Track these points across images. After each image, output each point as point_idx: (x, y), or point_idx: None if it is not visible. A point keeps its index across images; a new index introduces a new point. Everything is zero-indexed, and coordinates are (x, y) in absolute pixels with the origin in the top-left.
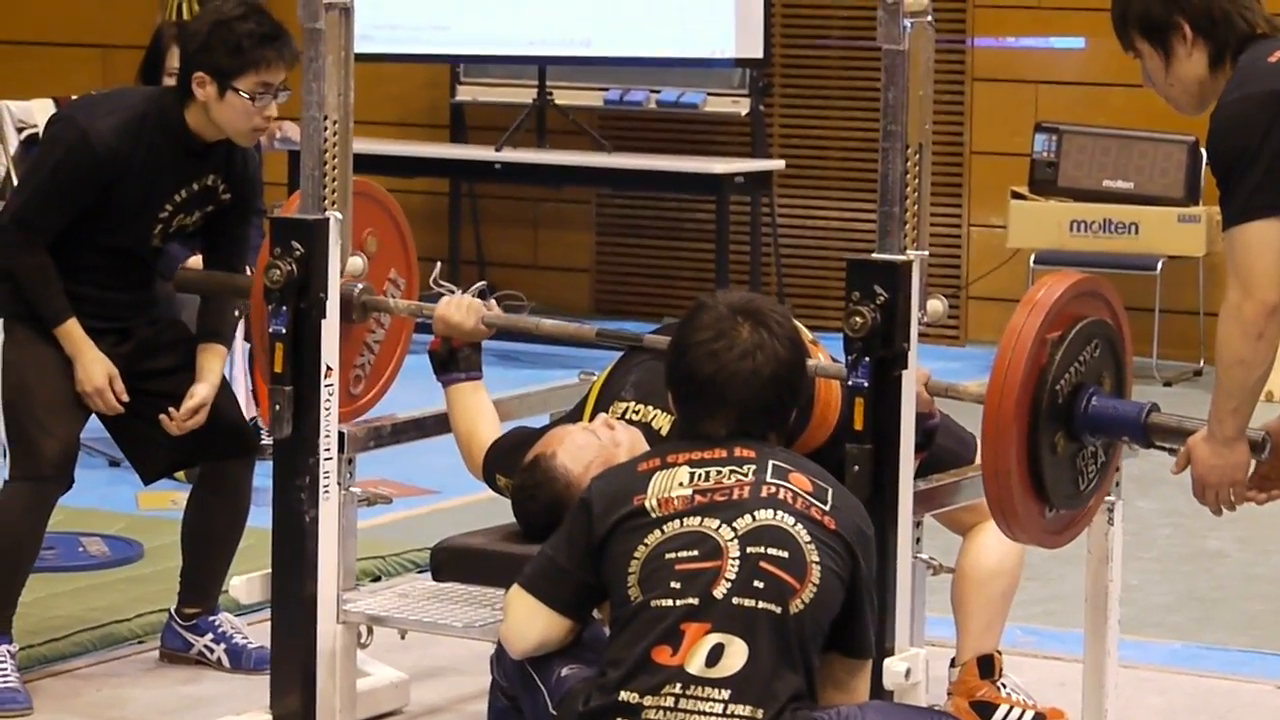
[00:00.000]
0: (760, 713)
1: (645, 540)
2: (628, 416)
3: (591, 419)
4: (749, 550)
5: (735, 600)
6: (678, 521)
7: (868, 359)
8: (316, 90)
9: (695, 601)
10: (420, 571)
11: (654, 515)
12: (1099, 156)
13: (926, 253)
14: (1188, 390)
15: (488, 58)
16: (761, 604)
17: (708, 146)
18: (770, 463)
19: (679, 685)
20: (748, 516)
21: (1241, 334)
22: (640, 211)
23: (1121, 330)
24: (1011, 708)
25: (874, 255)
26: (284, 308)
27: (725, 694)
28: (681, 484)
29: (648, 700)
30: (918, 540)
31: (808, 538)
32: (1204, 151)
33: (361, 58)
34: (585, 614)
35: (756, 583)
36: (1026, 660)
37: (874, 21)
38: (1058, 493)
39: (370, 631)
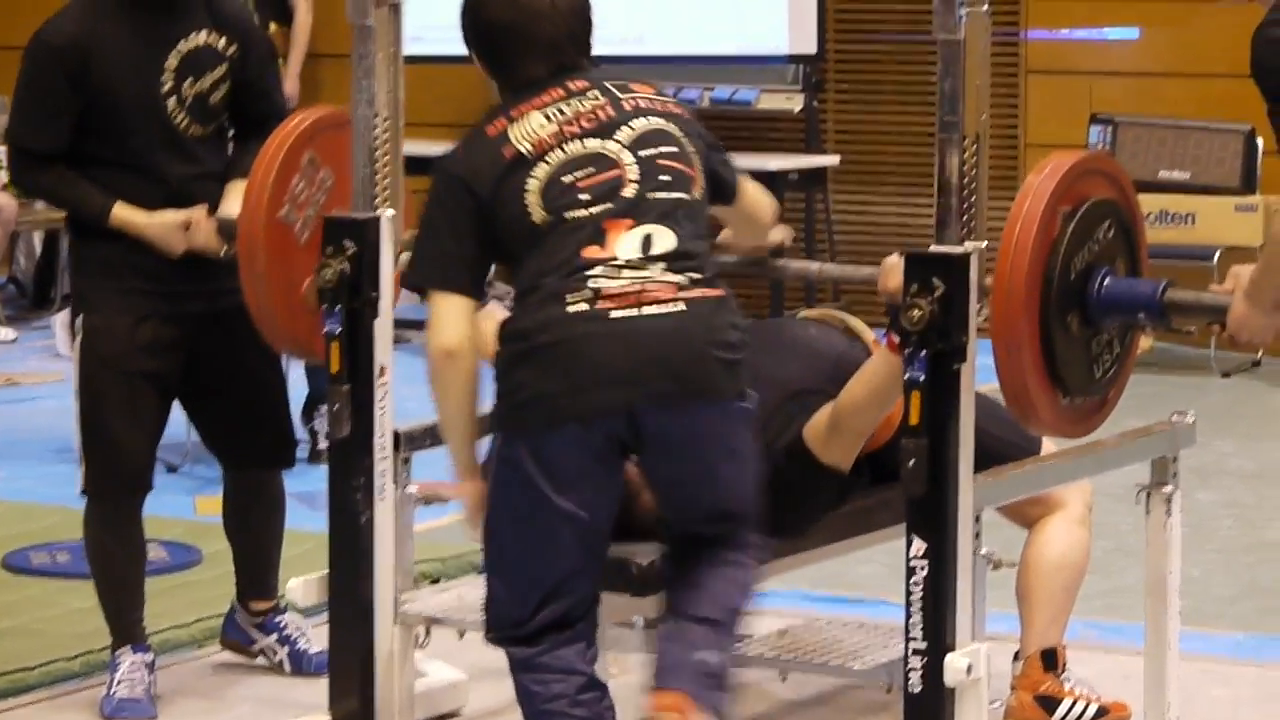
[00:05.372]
0: (698, 275)
1: (534, 174)
2: None
3: None
4: (641, 154)
5: (649, 195)
6: (559, 151)
7: (925, 352)
8: (367, 88)
9: (611, 205)
10: (479, 574)
11: (532, 155)
12: (1154, 147)
13: (984, 244)
14: (1246, 381)
15: None
16: (674, 194)
17: (762, 143)
18: (605, 83)
19: (615, 265)
20: (625, 128)
21: None
22: None
23: (1135, 214)
24: (1075, 701)
25: (931, 248)
26: (338, 307)
27: (661, 264)
28: (542, 125)
29: (592, 273)
30: (977, 535)
31: (680, 132)
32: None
33: (413, 59)
34: (483, 291)
35: (663, 176)
36: (1088, 654)
37: (926, 15)
38: (1073, 378)
39: (428, 632)
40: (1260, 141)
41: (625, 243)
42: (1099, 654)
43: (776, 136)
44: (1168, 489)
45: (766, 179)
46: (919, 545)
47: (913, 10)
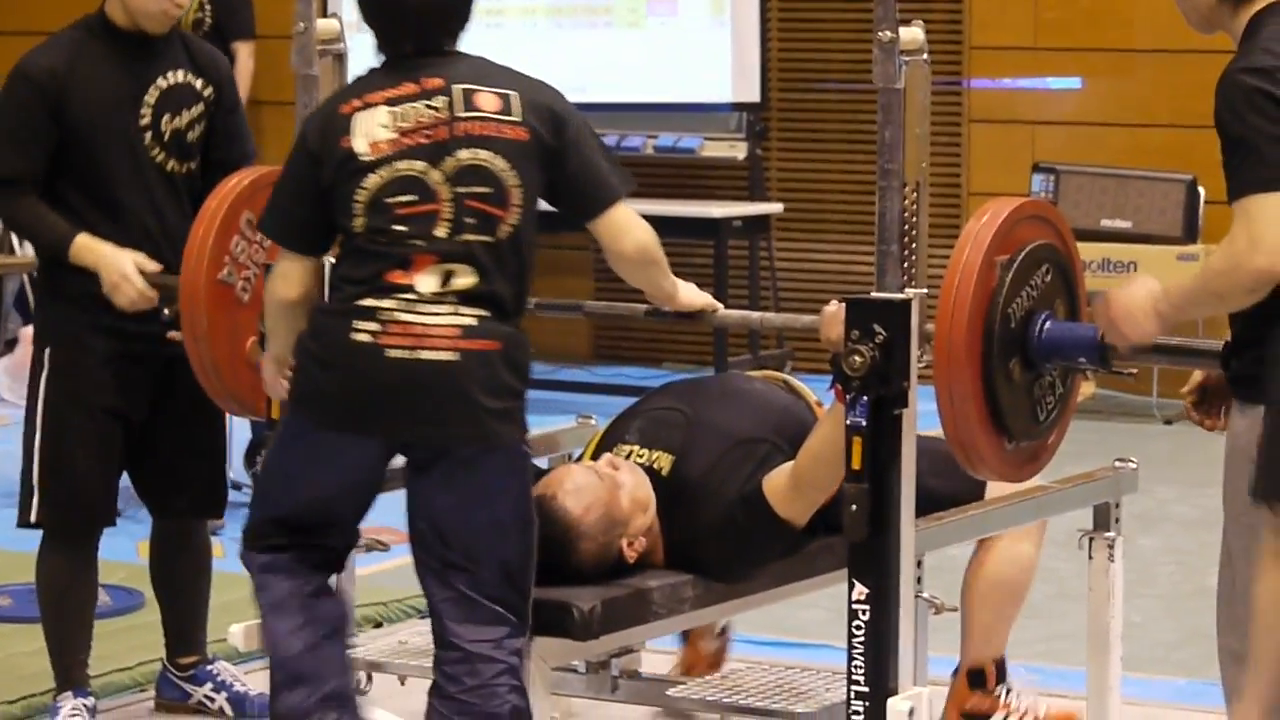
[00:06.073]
0: (486, 312)
1: (364, 184)
2: (631, 459)
3: (594, 460)
4: (458, 190)
5: (456, 237)
6: (390, 165)
7: (865, 398)
8: None
9: (421, 241)
10: (421, 617)
11: (366, 159)
12: (1097, 196)
13: (925, 291)
14: (1189, 428)
15: None
16: (476, 236)
17: (705, 191)
18: (458, 88)
19: (411, 296)
20: (450, 159)
21: (1237, 279)
22: None
23: (1072, 256)
24: (1008, 715)
25: (873, 294)
26: None
27: (454, 300)
28: (384, 125)
29: (385, 303)
30: (919, 579)
31: (504, 165)
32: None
33: None
34: (324, 247)
35: (468, 219)
36: None
37: (869, 64)
38: (1016, 423)
39: (370, 678)
40: (1202, 191)
41: (427, 277)
42: (1041, 699)
43: (720, 184)
44: (1110, 535)
45: (710, 226)
46: (860, 590)
47: (855, 59)
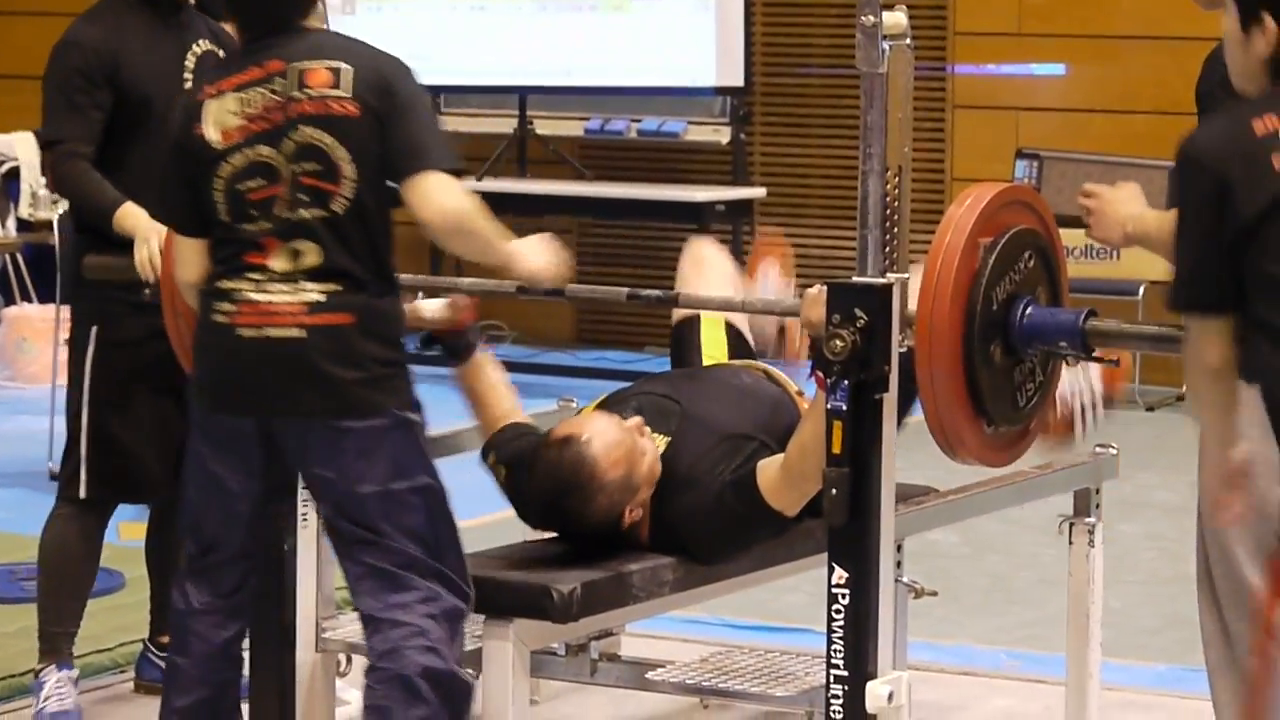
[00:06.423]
0: (335, 286)
1: (219, 172)
2: None
3: None
4: (293, 169)
5: (294, 215)
6: (240, 154)
7: (846, 382)
8: None
9: (269, 224)
10: None
11: (218, 147)
12: (1080, 182)
13: (908, 276)
14: (1170, 414)
15: (468, 88)
16: (312, 213)
17: (689, 175)
18: (293, 68)
19: (263, 276)
20: (288, 141)
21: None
22: (622, 241)
23: (1056, 243)
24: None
25: (854, 278)
26: None
27: (302, 279)
28: (233, 113)
29: (240, 284)
30: (899, 564)
31: (332, 140)
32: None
33: None
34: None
35: (303, 196)
36: (1011, 683)
37: (853, 49)
38: (997, 407)
39: (349, 660)
40: None
41: (278, 256)
42: (1021, 684)
43: (703, 168)
44: (1090, 520)
45: (693, 210)
46: (840, 574)
47: (839, 44)
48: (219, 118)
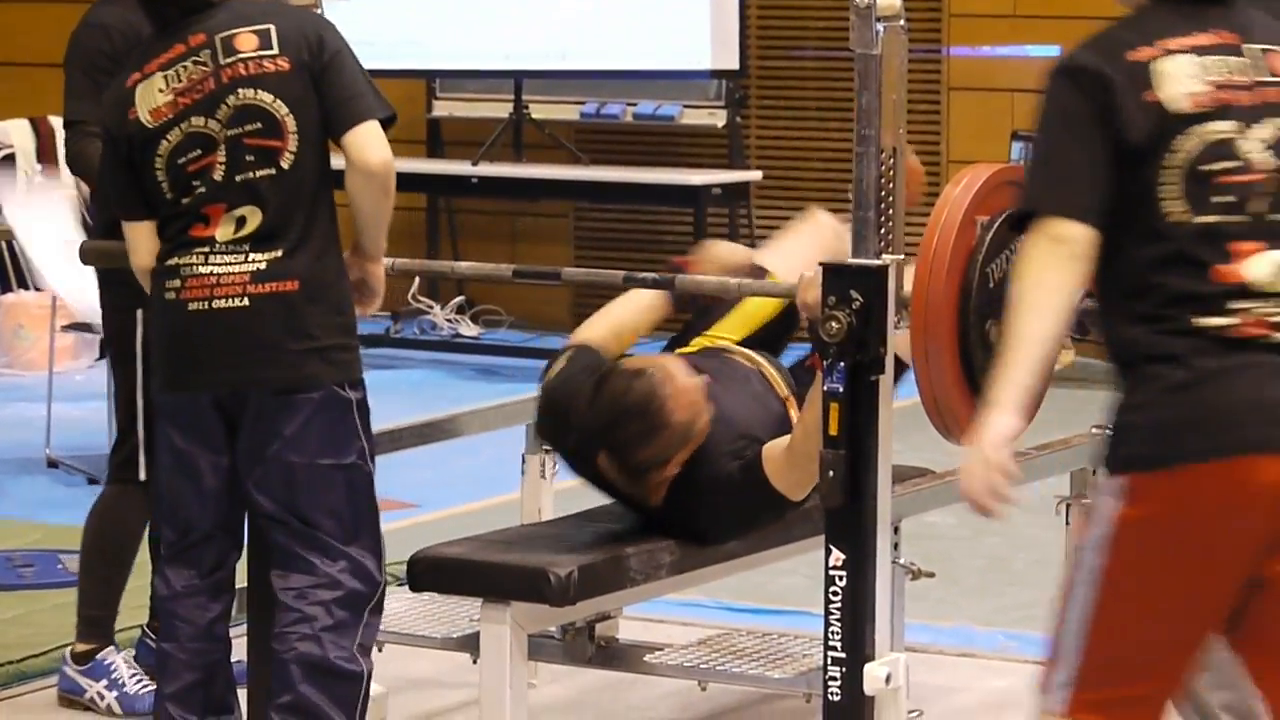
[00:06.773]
0: (278, 252)
1: (158, 151)
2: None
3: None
4: (230, 133)
5: (237, 177)
6: (176, 129)
7: (843, 364)
8: None
9: (205, 190)
10: (399, 585)
11: (151, 128)
12: None
13: (903, 257)
14: None
15: (463, 72)
16: (259, 172)
17: (684, 158)
18: (216, 39)
19: (208, 248)
20: (223, 106)
21: None
22: (618, 224)
23: None
24: None
25: (850, 260)
26: None
27: (246, 247)
28: (161, 91)
29: (187, 259)
30: (896, 545)
31: (271, 97)
32: None
33: None
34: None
35: (248, 157)
36: (1009, 665)
37: (848, 31)
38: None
39: None
40: None
41: (223, 226)
42: (1019, 665)
43: (699, 151)
44: (1087, 501)
45: (689, 194)
46: (838, 556)
47: (834, 26)
48: (148, 98)
